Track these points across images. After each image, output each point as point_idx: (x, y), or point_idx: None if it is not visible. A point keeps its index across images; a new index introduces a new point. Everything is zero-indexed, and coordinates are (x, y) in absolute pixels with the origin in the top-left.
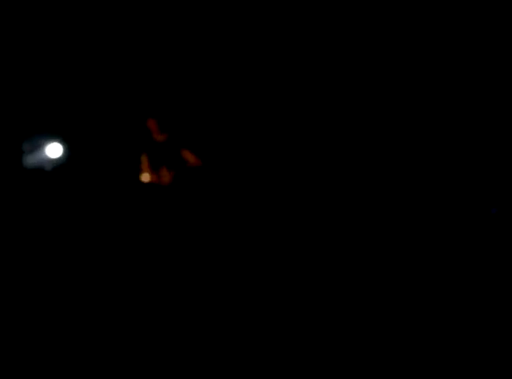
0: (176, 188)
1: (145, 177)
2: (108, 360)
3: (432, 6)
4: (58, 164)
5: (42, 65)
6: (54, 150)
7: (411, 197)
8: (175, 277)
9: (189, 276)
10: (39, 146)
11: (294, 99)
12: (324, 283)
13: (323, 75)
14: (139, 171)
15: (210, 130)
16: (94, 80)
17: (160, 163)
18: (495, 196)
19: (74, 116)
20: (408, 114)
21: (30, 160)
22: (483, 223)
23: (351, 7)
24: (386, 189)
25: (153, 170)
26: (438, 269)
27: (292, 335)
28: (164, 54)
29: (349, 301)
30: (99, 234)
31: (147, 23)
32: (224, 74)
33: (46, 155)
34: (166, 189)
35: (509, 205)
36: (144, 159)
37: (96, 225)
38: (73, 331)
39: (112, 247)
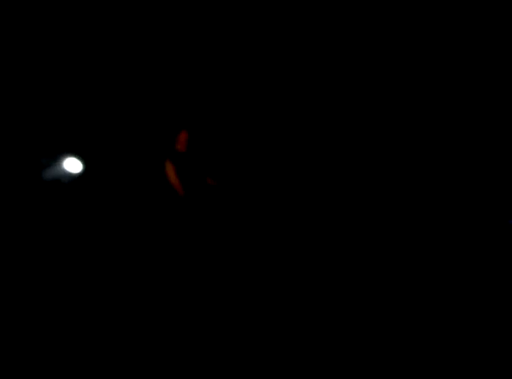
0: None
1: (171, 172)
2: (108, 360)
3: (432, 6)
4: (77, 177)
5: (62, 77)
6: (72, 164)
7: (424, 207)
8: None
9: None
10: (57, 160)
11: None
12: (325, 284)
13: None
14: (160, 180)
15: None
16: (118, 93)
17: (179, 174)
18: None
19: (93, 129)
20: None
21: (48, 174)
22: (501, 235)
23: (351, 7)
24: (394, 196)
25: (176, 176)
26: (452, 281)
27: (292, 336)
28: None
29: (349, 301)
30: (114, 246)
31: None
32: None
33: (64, 169)
34: (183, 200)
35: None
36: (169, 165)
37: (112, 235)
38: (74, 332)
39: (127, 259)
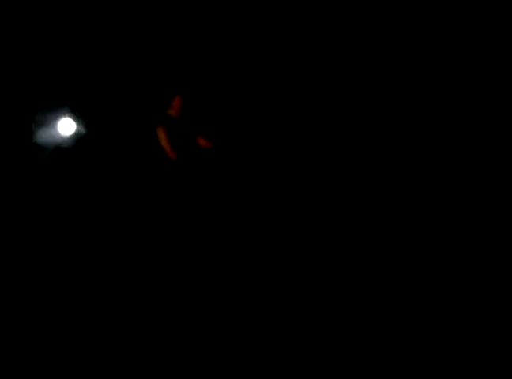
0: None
1: (162, 137)
2: (108, 360)
3: (432, 6)
4: (71, 141)
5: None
6: (66, 126)
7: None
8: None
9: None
10: (50, 121)
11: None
12: (325, 284)
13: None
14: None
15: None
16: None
17: (172, 138)
18: None
19: (87, 89)
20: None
21: (39, 136)
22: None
23: (351, 7)
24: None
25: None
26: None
27: (292, 336)
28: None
29: (349, 301)
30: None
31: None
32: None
33: (57, 132)
34: (175, 167)
35: None
36: (160, 129)
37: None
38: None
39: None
